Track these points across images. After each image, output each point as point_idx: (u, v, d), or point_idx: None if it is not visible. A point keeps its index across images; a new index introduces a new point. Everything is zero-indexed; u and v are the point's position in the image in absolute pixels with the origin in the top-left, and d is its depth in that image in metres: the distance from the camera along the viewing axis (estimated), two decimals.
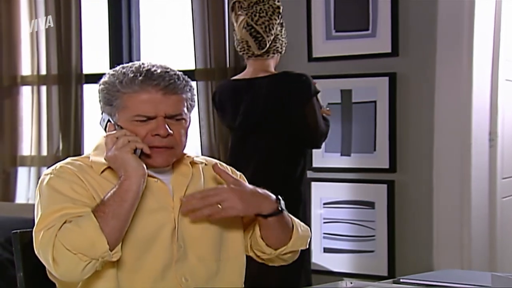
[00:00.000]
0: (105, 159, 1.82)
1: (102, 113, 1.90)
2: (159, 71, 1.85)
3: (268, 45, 3.13)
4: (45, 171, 1.87)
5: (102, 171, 1.85)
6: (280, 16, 3.15)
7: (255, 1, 3.12)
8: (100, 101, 1.89)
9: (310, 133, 3.09)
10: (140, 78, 1.82)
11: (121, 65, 1.90)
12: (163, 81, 1.83)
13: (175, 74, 1.87)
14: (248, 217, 1.99)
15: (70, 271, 1.72)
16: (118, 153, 1.78)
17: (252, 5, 3.11)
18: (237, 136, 3.22)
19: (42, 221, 1.76)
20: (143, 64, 1.87)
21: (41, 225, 1.75)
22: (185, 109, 1.88)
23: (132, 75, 1.83)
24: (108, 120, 1.87)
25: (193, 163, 1.98)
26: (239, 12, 3.14)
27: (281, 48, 3.20)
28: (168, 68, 1.88)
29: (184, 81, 1.87)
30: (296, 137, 3.10)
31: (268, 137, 3.10)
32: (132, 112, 1.83)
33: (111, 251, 1.72)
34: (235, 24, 3.18)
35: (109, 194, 1.76)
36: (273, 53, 3.17)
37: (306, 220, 3.12)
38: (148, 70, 1.84)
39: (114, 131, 1.83)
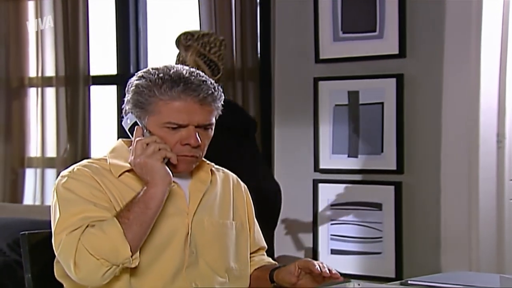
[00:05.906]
0: (129, 163, 1.82)
1: (126, 113, 1.88)
2: (197, 80, 1.84)
3: (221, 73, 3.25)
4: (62, 172, 1.87)
5: (120, 175, 1.85)
6: (225, 47, 3.31)
7: (202, 34, 3.26)
8: (128, 102, 1.87)
9: None
10: (180, 86, 1.82)
11: (152, 68, 1.88)
12: (202, 92, 1.83)
13: (211, 84, 1.86)
14: (253, 245, 2.04)
15: (91, 275, 1.72)
16: (148, 160, 1.77)
17: (201, 37, 3.24)
18: None
19: (61, 223, 1.75)
20: (179, 69, 1.86)
21: (61, 227, 1.75)
22: (213, 119, 1.88)
23: (171, 82, 1.82)
24: (135, 123, 1.86)
25: (212, 171, 1.99)
26: (188, 43, 3.24)
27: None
28: (203, 76, 1.87)
29: (219, 93, 1.87)
30: None
31: None
32: (164, 118, 1.82)
33: (132, 257, 1.73)
34: (183, 55, 3.25)
35: (133, 201, 1.76)
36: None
37: None
38: (188, 78, 1.83)
39: (144, 137, 1.82)
